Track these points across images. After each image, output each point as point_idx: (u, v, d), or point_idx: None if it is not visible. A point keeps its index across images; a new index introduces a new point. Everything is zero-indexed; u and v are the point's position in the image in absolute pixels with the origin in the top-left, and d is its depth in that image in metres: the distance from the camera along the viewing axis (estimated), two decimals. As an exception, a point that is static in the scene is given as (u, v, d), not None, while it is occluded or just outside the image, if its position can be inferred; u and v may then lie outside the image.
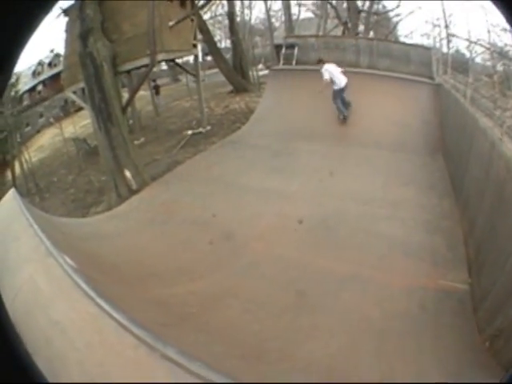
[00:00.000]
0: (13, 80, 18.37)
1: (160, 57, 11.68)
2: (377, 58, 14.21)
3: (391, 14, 18.28)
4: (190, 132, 14.14)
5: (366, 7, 18.79)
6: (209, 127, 14.29)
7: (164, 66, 19.46)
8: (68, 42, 12.10)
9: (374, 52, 14.35)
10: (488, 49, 8.36)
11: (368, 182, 8.41)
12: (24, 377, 2.26)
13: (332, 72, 12.08)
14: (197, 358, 3.53)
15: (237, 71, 18.01)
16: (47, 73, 19.08)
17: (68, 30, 11.64)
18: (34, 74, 20.05)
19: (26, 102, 18.82)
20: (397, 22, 18.30)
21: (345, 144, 9.98)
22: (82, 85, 11.07)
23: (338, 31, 17.55)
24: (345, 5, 18.52)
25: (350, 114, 12.29)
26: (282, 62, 15.19)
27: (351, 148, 9.69)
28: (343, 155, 9.53)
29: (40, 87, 19.27)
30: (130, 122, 13.49)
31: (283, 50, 15.23)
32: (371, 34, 16.57)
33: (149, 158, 12.07)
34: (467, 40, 10.20)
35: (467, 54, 10.63)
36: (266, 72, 17.72)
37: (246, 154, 10.80)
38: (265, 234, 6.96)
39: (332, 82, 12.01)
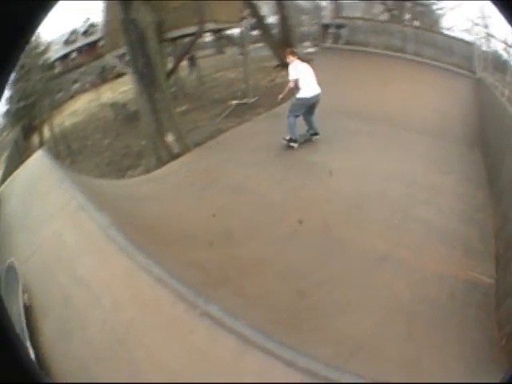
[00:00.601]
0: (41, 49, 18.60)
1: (208, 26, 11.76)
2: (422, 47, 13.93)
3: (434, 6, 18.11)
4: (234, 102, 13.98)
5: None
6: (254, 99, 14.10)
7: (208, 38, 19.45)
8: (108, 9, 12.11)
9: (420, 40, 14.11)
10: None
11: (409, 166, 8.32)
12: (24, 377, 2.22)
13: (301, 72, 9.30)
14: (240, 317, 3.53)
15: (283, 46, 17.62)
16: (82, 41, 19.17)
17: (107, -3, 11.67)
18: (67, 42, 20.13)
19: (57, 69, 18.99)
20: (440, 15, 18.12)
21: (388, 126, 9.84)
22: (122, 50, 11.09)
23: (384, 17, 17.44)
24: (390, -9, 18.46)
25: (304, 146, 9.50)
26: (330, 40, 15.01)
27: (394, 130, 9.57)
28: (387, 136, 9.40)
29: (74, 55, 19.39)
30: (173, 89, 13.41)
31: (331, 30, 15.03)
32: (415, 23, 16.39)
33: (192, 124, 11.98)
34: (504, 43, 10.18)
35: (505, 56, 10.58)
36: (312, 50, 17.21)
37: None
38: (307, 207, 6.86)
39: (296, 86, 9.30)
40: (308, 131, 9.66)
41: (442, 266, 5.56)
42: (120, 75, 14.97)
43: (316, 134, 9.65)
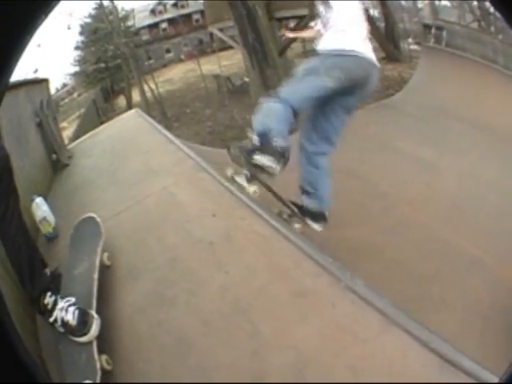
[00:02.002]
0: (122, 14, 18.98)
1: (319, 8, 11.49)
2: (510, 61, 13.79)
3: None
4: None
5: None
6: None
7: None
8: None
9: (508, 54, 13.96)
10: None
11: (508, 178, 8.02)
12: (24, 377, 2.15)
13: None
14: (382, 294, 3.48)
15: (388, 41, 18.02)
16: (173, 12, 19.45)
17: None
18: (154, 12, 20.45)
19: (145, 37, 19.30)
20: (516, 34, 17.93)
21: (490, 134, 9.80)
22: (224, 24, 11.26)
23: (474, 26, 17.44)
24: (475, 3, 18.25)
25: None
26: (432, 40, 15.03)
27: (496, 140, 9.47)
28: (490, 144, 9.26)
29: (164, 25, 19.65)
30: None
31: (433, 30, 15.04)
32: (500, 36, 16.26)
33: None
34: None
35: None
36: (415, 47, 17.55)
37: (401, 120, 10.66)
38: (413, 200, 7.05)
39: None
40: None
41: None
42: (221, 49, 15.08)
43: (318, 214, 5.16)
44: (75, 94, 20.23)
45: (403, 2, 19.58)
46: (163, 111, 13.99)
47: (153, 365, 3.33)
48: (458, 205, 7.06)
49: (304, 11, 11.07)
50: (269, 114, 4.49)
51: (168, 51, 18.81)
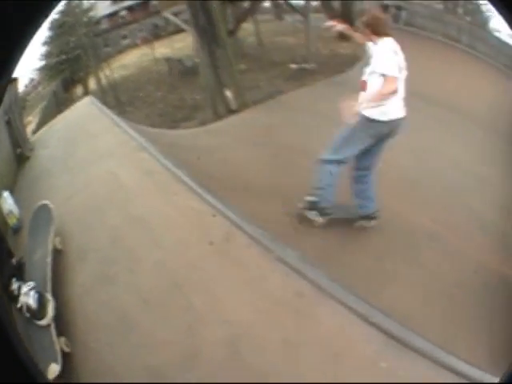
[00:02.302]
0: (86, 6, 18.78)
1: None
2: (475, 41, 13.79)
3: (484, 7, 18.08)
4: (294, 66, 13.81)
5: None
6: (314, 65, 13.85)
7: (267, 3, 19.60)
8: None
9: (473, 34, 14.01)
10: None
11: (465, 153, 8.35)
12: (24, 377, 2.21)
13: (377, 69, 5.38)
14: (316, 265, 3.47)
15: (344, 19, 17.77)
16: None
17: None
18: (116, 0, 20.37)
19: (104, 26, 19.22)
20: (488, 17, 18.07)
21: (448, 110, 9.78)
22: (179, 8, 11.24)
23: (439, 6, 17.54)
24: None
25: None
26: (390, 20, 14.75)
27: (453, 116, 9.50)
28: (447, 120, 9.32)
29: (123, 12, 19.58)
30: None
31: (391, 10, 14.69)
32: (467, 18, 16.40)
33: (251, 83, 11.88)
34: None
35: None
36: None
37: (353, 96, 10.36)
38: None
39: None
40: (358, 206, 5.77)
41: (480, 254, 5.58)
42: (175, 32, 15.12)
43: (371, 217, 5.78)
44: (40, 88, 20.07)
45: (363, -17, 19.68)
46: (117, 96, 13.88)
47: (101, 344, 3.45)
48: (413, 180, 7.02)
49: None
50: (321, 178, 5.39)
51: (124, 38, 18.68)
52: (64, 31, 19.18)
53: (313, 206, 5.40)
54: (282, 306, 3.22)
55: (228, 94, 9.85)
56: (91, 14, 19.50)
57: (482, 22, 16.23)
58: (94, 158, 6.20)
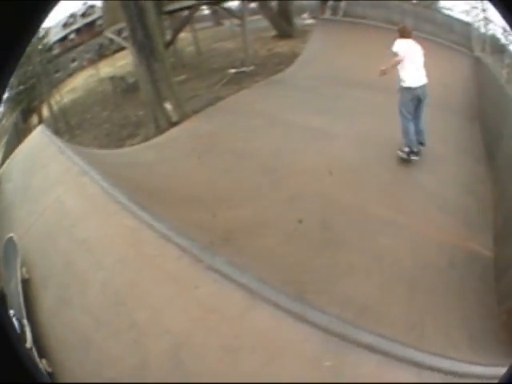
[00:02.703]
0: (41, 34, 18.75)
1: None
2: (421, 22, 13.86)
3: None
4: (233, 71, 13.97)
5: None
6: (252, 67, 14.07)
7: (206, 11, 19.69)
8: (108, -14, 12.28)
9: (419, 16, 14.09)
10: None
11: None
12: (24, 377, 2.21)
13: (409, 54, 7.56)
14: (247, 270, 3.45)
15: (281, 18, 17.90)
16: (80, 22, 19.37)
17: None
18: (65, 25, 20.32)
19: (56, 51, 19.22)
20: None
21: (388, 96, 9.85)
22: (121, 25, 11.29)
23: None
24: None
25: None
26: (329, 12, 14.72)
27: (394, 100, 9.62)
28: (386, 105, 9.29)
29: (72, 35, 19.61)
30: (172, 60, 13.51)
31: (330, 2, 14.77)
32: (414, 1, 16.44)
33: (191, 93, 11.97)
34: (502, 28, 10.18)
35: (503, 39, 10.61)
36: (310, 21, 17.36)
37: (290, 93, 10.61)
38: (307, 170, 6.84)
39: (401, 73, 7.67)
40: (413, 135, 7.72)
41: (441, 234, 5.61)
42: (118, 50, 15.21)
43: (422, 135, 7.75)
44: (4, 121, 20.13)
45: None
46: (67, 121, 13.94)
47: (72, 362, 3.57)
48: (357, 169, 6.97)
49: (191, 1, 11.65)
50: (404, 132, 7.52)
51: (73, 61, 18.73)
52: (23, 61, 19.16)
53: (409, 151, 7.43)
54: (217, 314, 3.24)
55: (168, 106, 9.84)
56: (45, 40, 19.54)
57: (430, 2, 16.41)
58: (45, 187, 6.15)
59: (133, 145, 9.69)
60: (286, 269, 4.68)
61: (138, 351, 3.34)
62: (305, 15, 19.04)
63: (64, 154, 6.52)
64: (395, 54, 7.59)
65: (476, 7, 12.97)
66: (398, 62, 7.49)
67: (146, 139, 9.62)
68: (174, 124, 9.71)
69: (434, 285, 4.70)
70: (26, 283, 4.53)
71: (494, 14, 11.13)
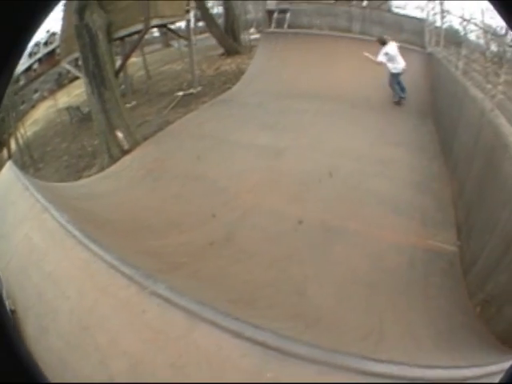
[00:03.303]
0: None
1: (153, 22, 11.99)
2: (369, 25, 14.10)
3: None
4: (180, 93, 14.14)
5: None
6: (199, 88, 14.31)
7: (156, 33, 19.73)
8: (65, 18, 12.40)
9: (367, 19, 14.29)
10: (481, 28, 8.50)
11: (358, 141, 8.46)
12: (25, 377, 2.24)
13: (391, 55, 10.90)
14: (185, 293, 3.66)
15: (228, 35, 18.18)
16: (43, 51, 19.23)
17: (66, 7, 11.83)
18: (31, 55, 20.18)
19: (22, 82, 19.04)
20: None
21: (335, 104, 9.95)
22: (76, 55, 11.50)
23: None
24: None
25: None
26: (273, 25, 14.99)
27: (342, 107, 9.72)
28: (333, 114, 9.49)
29: (36, 65, 19.46)
30: (122, 86, 13.54)
31: (275, 15, 15.06)
32: (365, 3, 16.46)
33: (140, 119, 12.14)
34: (461, 18, 10.46)
35: (460, 31, 10.77)
36: (257, 36, 17.62)
37: (237, 111, 10.84)
38: (255, 188, 7.03)
39: (390, 63, 10.99)
40: (401, 90, 11.63)
41: (398, 236, 5.75)
42: (74, 79, 15.21)
43: (405, 90, 11.63)
44: None
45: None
46: (31, 154, 13.99)
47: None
48: (305, 181, 7.11)
49: (140, 26, 11.61)
50: (395, 91, 11.49)
51: (36, 91, 18.66)
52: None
53: (402, 97, 11.38)
54: (163, 334, 3.44)
55: (119, 134, 9.98)
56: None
57: (380, 3, 16.53)
58: (16, 224, 6.30)
59: (90, 175, 9.72)
60: (237, 288, 4.85)
61: (105, 370, 3.52)
62: (252, 30, 19.17)
63: (28, 191, 6.67)
64: (380, 63, 11.03)
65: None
66: (380, 65, 11.09)
67: (102, 169, 9.69)
68: (126, 152, 9.82)
69: (395, 287, 4.84)
70: (13, 313, 4.65)
71: (451, 4, 11.60)
